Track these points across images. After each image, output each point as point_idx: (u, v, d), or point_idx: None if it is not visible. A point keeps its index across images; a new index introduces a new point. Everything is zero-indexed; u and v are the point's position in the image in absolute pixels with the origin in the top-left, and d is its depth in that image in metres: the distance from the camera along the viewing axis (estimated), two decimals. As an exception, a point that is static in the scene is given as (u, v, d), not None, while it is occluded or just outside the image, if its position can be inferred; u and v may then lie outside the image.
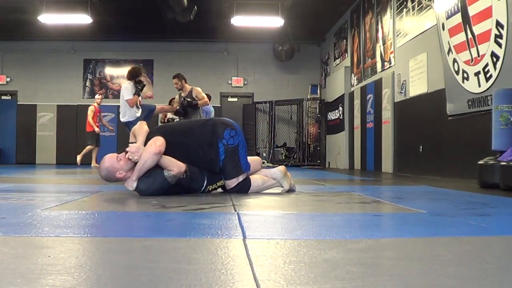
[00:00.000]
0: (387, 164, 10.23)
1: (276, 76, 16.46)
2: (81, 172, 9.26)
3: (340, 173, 10.12)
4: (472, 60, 6.88)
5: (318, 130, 15.56)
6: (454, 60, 7.35)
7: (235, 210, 2.92)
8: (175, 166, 3.83)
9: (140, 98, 7.81)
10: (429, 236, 2.17)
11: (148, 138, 3.93)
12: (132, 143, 4.06)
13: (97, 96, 13.02)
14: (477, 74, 6.76)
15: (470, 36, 6.90)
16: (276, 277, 1.35)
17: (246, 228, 2.22)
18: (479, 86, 6.71)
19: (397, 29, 9.96)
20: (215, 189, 4.16)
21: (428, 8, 8.48)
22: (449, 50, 7.48)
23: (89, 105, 12.70)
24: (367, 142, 11.53)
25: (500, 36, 6.17)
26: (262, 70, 16.42)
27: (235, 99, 16.62)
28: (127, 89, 7.70)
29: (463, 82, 7.14)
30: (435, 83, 8.20)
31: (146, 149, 3.80)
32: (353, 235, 2.15)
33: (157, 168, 3.83)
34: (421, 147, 8.81)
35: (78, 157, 12.18)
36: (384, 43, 10.77)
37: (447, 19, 7.54)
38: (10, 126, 15.57)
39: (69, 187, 5.18)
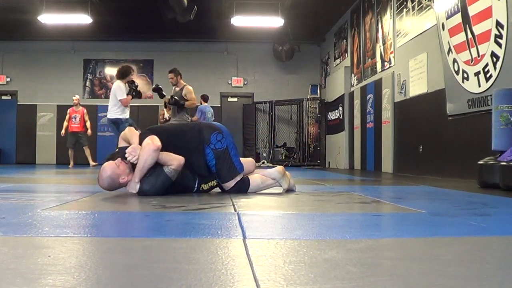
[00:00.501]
0: (387, 164, 10.23)
1: (276, 76, 16.46)
2: (81, 172, 9.26)
3: (340, 173, 10.12)
4: (472, 60, 6.88)
5: (318, 130, 15.55)
6: (454, 60, 7.34)
7: (235, 210, 2.92)
8: (174, 160, 3.83)
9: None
10: (429, 236, 2.17)
11: (141, 139, 3.91)
12: (122, 147, 4.04)
13: (73, 97, 12.84)
14: (477, 74, 6.75)
15: (470, 36, 6.90)
16: (276, 277, 1.35)
17: (246, 228, 2.22)
18: (479, 86, 6.71)
19: (397, 29, 9.95)
20: (210, 188, 4.16)
21: (428, 8, 8.47)
22: (449, 50, 7.48)
23: (89, 105, 12.68)
24: (367, 142, 11.52)
25: (500, 36, 6.17)
26: (262, 70, 16.42)
27: (235, 99, 16.61)
28: (120, 88, 7.67)
29: (463, 82, 7.14)
30: (435, 83, 8.20)
31: (144, 147, 3.78)
32: (353, 235, 2.14)
33: (157, 166, 3.83)
34: (421, 147, 8.80)
35: (91, 162, 12.11)
36: (384, 43, 10.77)
37: (447, 19, 7.54)
38: (10, 126, 15.57)
39: (69, 187, 5.19)
